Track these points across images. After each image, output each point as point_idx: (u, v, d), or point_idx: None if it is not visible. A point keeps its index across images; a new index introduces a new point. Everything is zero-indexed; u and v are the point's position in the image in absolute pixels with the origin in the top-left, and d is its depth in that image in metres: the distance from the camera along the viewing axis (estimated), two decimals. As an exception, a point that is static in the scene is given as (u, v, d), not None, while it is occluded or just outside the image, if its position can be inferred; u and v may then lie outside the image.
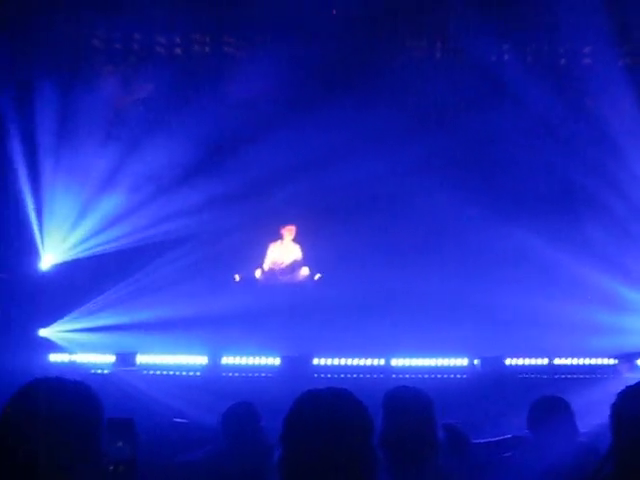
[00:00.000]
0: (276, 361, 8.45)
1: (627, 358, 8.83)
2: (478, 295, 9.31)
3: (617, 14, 9.25)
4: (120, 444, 2.06)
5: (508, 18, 9.85)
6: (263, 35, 10.22)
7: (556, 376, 8.79)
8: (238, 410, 4.25)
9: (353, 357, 8.63)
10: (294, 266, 10.27)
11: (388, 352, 8.68)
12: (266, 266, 10.26)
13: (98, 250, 9.64)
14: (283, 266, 10.26)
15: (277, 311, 9.30)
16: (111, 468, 2.00)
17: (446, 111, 10.16)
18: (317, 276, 10.20)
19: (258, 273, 10.19)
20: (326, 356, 8.65)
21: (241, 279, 10.13)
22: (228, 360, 8.60)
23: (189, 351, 8.55)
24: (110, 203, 9.70)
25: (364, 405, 2.03)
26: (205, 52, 10.56)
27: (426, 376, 8.40)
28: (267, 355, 8.64)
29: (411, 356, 8.62)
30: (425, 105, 10.19)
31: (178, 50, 10.42)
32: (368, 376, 8.38)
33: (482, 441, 4.79)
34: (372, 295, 9.56)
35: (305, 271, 10.22)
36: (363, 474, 1.90)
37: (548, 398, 4.15)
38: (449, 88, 10.15)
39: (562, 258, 9.50)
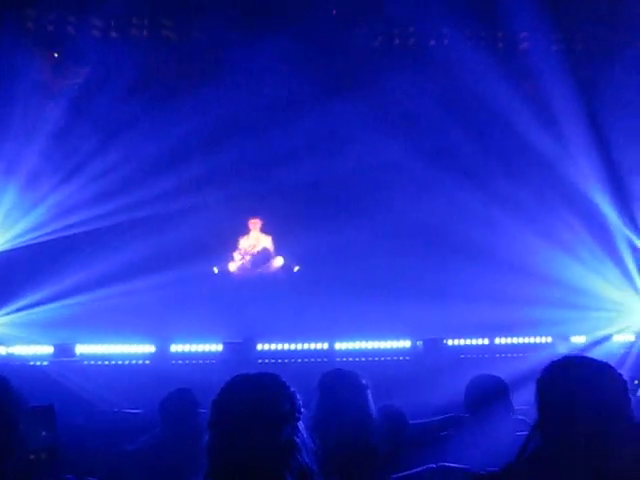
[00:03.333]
0: (219, 347, 8.37)
1: (563, 336, 9.07)
2: (420, 278, 9.43)
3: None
4: (42, 432, 2.02)
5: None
6: (200, 18, 10.06)
7: (497, 355, 8.95)
8: (175, 397, 4.21)
9: (297, 342, 8.62)
10: (266, 256, 10.32)
11: (332, 336, 8.70)
12: (237, 258, 10.33)
13: (36, 241, 9.41)
14: (253, 256, 10.31)
15: (222, 298, 9.27)
16: (32, 457, 1.95)
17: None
18: (296, 268, 10.31)
19: (232, 266, 10.23)
20: (270, 341, 8.61)
21: (218, 271, 10.21)
22: (177, 348, 8.51)
23: (134, 340, 8.40)
24: (46, 193, 9.46)
25: (291, 389, 2.02)
26: (143, 35, 10.34)
27: (370, 359, 8.47)
28: (213, 342, 8.58)
29: (354, 339, 8.66)
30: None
31: (114, 34, 10.18)
32: (312, 360, 8.37)
33: (421, 421, 4.83)
34: (316, 279, 9.60)
35: (279, 261, 10.30)
36: (288, 458, 1.89)
37: (483, 377, 4.20)
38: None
39: (501, 239, 9.69)
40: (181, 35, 10.33)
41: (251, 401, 1.93)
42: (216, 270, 10.25)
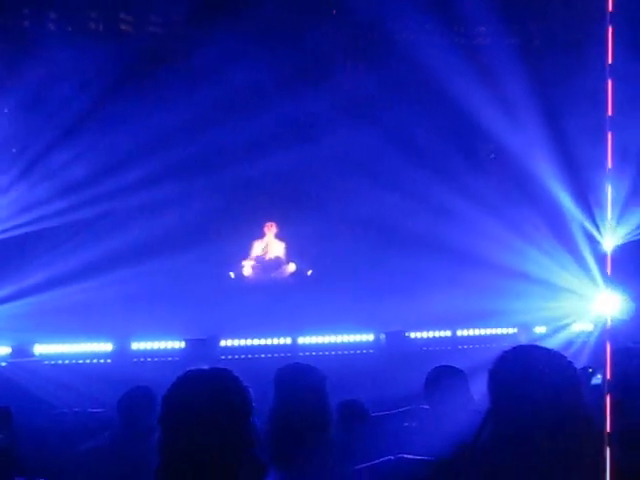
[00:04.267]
0: (182, 344, 8.31)
1: (525, 327, 9.20)
2: (381, 271, 9.47)
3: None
4: None
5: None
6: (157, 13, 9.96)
7: (459, 347, 9.04)
8: (133, 395, 4.18)
9: (260, 337, 8.60)
10: (277, 263, 10.25)
11: (295, 331, 8.70)
12: (249, 263, 10.25)
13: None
14: (264, 263, 10.27)
15: (185, 294, 9.20)
16: None
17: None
18: (309, 272, 10.23)
19: (247, 270, 10.12)
20: (233, 337, 8.58)
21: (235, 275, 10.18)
22: (138, 345, 8.41)
23: (94, 338, 8.28)
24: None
25: (243, 384, 2.00)
26: (99, 30, 10.19)
27: (333, 353, 8.49)
28: (175, 339, 8.50)
29: (317, 334, 8.67)
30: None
31: (70, 28, 10.01)
32: (276, 355, 8.37)
33: (382, 414, 4.86)
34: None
35: (291, 267, 10.23)
36: (238, 452, 1.88)
37: (442, 368, 4.24)
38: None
39: (462, 231, 9.78)
40: (138, 28, 10.19)
41: (200, 396, 1.92)
42: (232, 275, 10.14)
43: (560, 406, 1.93)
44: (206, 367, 2.09)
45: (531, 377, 1.97)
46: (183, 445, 1.88)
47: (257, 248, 10.38)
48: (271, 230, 10.42)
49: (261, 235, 10.47)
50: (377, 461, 3.01)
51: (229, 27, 9.34)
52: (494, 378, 2.06)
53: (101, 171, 9.59)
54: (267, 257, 10.32)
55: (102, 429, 4.54)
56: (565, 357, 2.10)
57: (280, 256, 10.34)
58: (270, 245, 10.40)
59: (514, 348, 2.13)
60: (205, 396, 1.92)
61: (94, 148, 9.57)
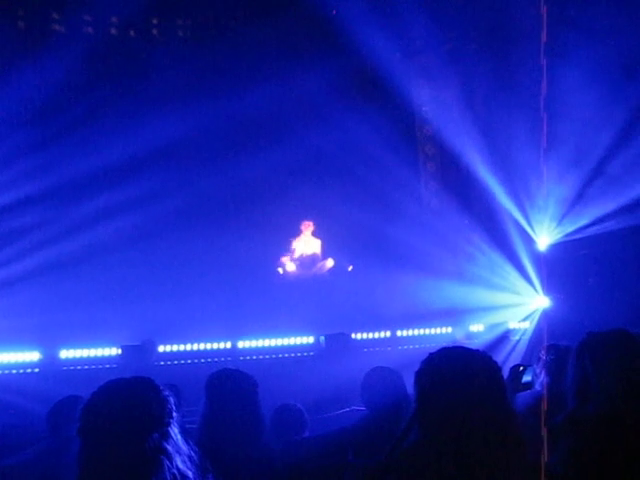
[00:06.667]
0: (118, 351, 8.12)
1: (461, 326, 9.35)
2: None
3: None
4: None
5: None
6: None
7: (399, 347, 9.11)
8: (64, 404, 4.05)
9: (199, 342, 8.48)
10: (314, 259, 10.70)
11: (235, 335, 8.62)
12: (287, 260, 10.65)
13: None
14: (304, 259, 10.70)
15: (121, 299, 8.98)
16: None
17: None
18: (350, 267, 10.55)
19: (290, 266, 10.56)
20: (171, 342, 8.44)
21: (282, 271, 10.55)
22: (68, 354, 8.13)
23: (22, 347, 7.97)
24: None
25: (164, 393, 1.97)
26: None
27: (273, 356, 8.44)
28: (109, 346, 8.28)
29: (257, 337, 8.61)
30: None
31: (21, 23, 9.70)
32: (215, 360, 8.26)
33: (320, 417, 4.84)
34: (217, 278, 9.50)
35: (330, 263, 10.62)
36: (155, 464, 1.84)
37: (376, 369, 4.24)
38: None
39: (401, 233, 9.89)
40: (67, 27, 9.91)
41: (116, 406, 1.88)
42: (281, 271, 10.54)
43: (483, 406, 1.94)
44: (129, 376, 2.04)
45: (453, 378, 1.97)
46: (100, 455, 1.85)
47: (296, 245, 10.84)
48: (308, 229, 10.88)
49: (297, 233, 10.93)
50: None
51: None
52: (418, 379, 2.06)
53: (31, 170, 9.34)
54: (306, 253, 10.81)
55: (27, 443, 4.40)
56: (490, 357, 2.11)
57: (317, 253, 10.84)
58: (307, 242, 10.88)
59: (439, 349, 2.13)
60: (121, 406, 1.89)
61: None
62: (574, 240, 9.78)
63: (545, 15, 7.31)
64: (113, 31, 10.25)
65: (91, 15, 9.85)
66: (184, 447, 1.94)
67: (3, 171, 9.15)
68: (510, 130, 9.96)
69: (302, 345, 8.81)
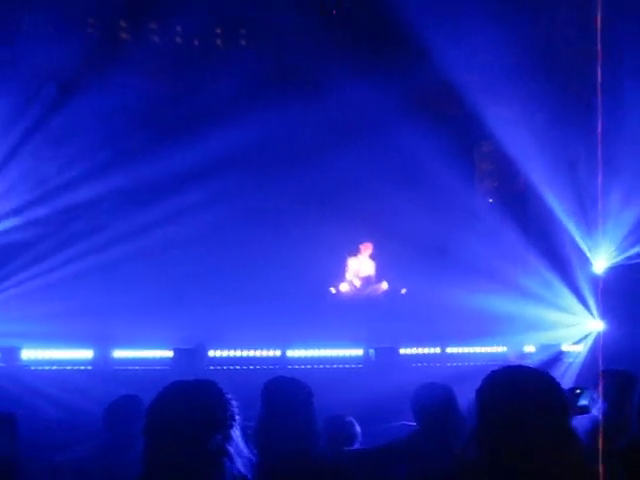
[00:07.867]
0: (170, 354, 8.24)
1: (515, 346, 9.20)
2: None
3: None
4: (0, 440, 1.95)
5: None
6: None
7: (448, 364, 9.02)
8: (121, 403, 4.12)
9: (249, 349, 8.55)
10: (369, 281, 10.80)
11: (284, 343, 8.66)
12: (350, 278, 10.79)
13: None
14: (361, 279, 10.81)
15: (174, 302, 9.13)
16: None
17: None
18: (403, 290, 10.59)
19: (344, 287, 10.64)
20: (222, 347, 8.52)
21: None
22: (120, 354, 8.30)
23: (77, 345, 8.15)
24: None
25: (227, 396, 2.00)
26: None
27: (322, 366, 8.45)
28: (161, 348, 8.42)
29: (307, 347, 8.63)
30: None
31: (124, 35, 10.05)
32: (264, 367, 8.30)
33: (370, 429, 4.82)
34: (269, 286, 9.57)
35: (384, 285, 10.68)
36: (217, 466, 1.87)
37: (427, 385, 4.19)
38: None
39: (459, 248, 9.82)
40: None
41: (181, 408, 1.92)
42: (333, 290, 10.59)
43: (546, 427, 1.91)
44: (191, 378, 2.08)
45: (517, 398, 1.95)
46: (163, 455, 1.89)
47: (353, 265, 10.93)
48: (367, 250, 10.92)
49: (355, 253, 10.99)
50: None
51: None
52: (480, 398, 2.05)
53: (82, 175, 9.58)
54: (362, 274, 10.88)
55: (77, 440, 4.48)
56: (553, 378, 2.09)
57: (371, 275, 10.90)
58: (363, 263, 10.94)
59: (502, 368, 2.11)
60: (186, 408, 1.93)
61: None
62: (632, 265, 9.57)
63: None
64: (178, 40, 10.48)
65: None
66: (245, 450, 1.97)
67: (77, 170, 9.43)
68: (570, 150, 9.82)
69: (351, 357, 8.82)
